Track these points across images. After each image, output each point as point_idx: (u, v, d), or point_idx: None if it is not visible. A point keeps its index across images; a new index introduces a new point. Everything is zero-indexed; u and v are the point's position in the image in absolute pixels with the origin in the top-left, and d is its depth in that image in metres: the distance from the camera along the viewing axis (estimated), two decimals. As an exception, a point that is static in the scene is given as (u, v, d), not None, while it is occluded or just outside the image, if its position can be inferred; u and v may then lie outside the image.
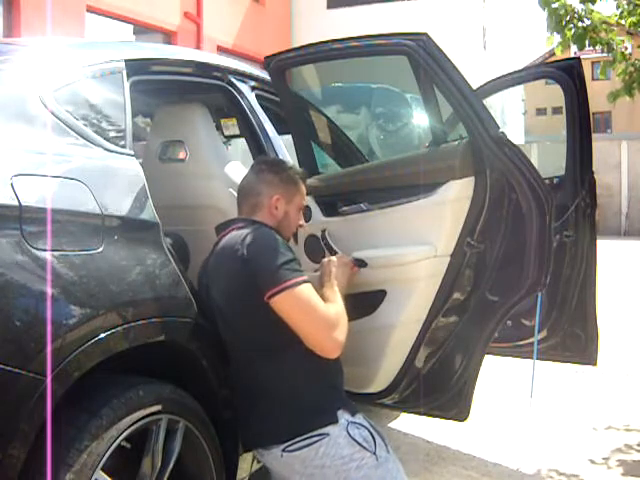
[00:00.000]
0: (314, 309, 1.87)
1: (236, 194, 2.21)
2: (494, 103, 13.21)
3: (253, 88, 2.77)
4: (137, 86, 2.14)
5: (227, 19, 13.36)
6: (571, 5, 4.21)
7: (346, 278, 2.18)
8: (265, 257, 1.88)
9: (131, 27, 11.20)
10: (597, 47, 4.35)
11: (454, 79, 2.16)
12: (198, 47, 11.88)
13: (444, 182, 2.19)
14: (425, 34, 2.19)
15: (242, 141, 3.03)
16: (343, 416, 1.87)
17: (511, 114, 18.09)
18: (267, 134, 2.69)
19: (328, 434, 1.83)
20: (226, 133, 3.32)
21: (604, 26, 4.28)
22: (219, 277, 1.97)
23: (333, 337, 1.87)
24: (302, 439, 1.83)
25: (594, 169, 3.08)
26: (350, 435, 1.84)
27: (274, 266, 1.85)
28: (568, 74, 3.06)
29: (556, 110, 26.64)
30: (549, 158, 4.80)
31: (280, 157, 2.62)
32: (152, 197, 1.91)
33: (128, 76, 2.07)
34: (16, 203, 1.52)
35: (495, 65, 15.35)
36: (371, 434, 1.88)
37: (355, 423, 1.88)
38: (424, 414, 2.45)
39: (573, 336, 3.12)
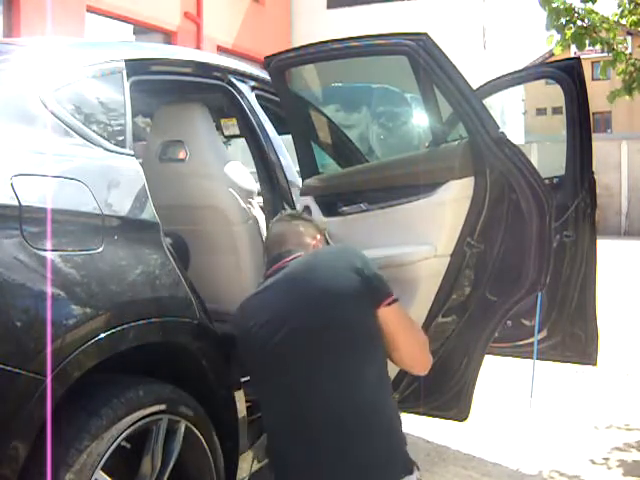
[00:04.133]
0: (414, 323, 1.88)
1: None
2: (494, 103, 13.21)
3: (253, 88, 2.77)
4: (137, 86, 2.13)
5: (227, 19, 13.36)
6: (571, 4, 4.21)
7: None
8: (373, 267, 1.81)
9: (131, 27, 11.21)
10: (597, 47, 4.35)
11: (454, 79, 2.16)
12: (198, 47, 11.88)
13: (444, 182, 2.19)
14: (425, 34, 2.19)
15: (242, 141, 3.03)
16: (414, 466, 1.71)
17: (511, 114, 18.10)
18: (267, 134, 2.69)
19: None
20: (226, 133, 3.32)
21: (605, 25, 4.28)
22: (313, 302, 1.77)
23: (428, 353, 1.88)
24: None
25: (594, 169, 3.08)
26: None
27: (382, 276, 1.81)
28: (568, 74, 3.06)
29: (556, 110, 26.60)
30: (549, 158, 4.79)
31: (280, 157, 2.64)
32: (152, 197, 1.91)
33: (128, 76, 2.07)
34: (16, 203, 1.52)
35: (495, 65, 15.35)
36: None
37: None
38: (424, 414, 2.45)
39: (573, 336, 3.12)
